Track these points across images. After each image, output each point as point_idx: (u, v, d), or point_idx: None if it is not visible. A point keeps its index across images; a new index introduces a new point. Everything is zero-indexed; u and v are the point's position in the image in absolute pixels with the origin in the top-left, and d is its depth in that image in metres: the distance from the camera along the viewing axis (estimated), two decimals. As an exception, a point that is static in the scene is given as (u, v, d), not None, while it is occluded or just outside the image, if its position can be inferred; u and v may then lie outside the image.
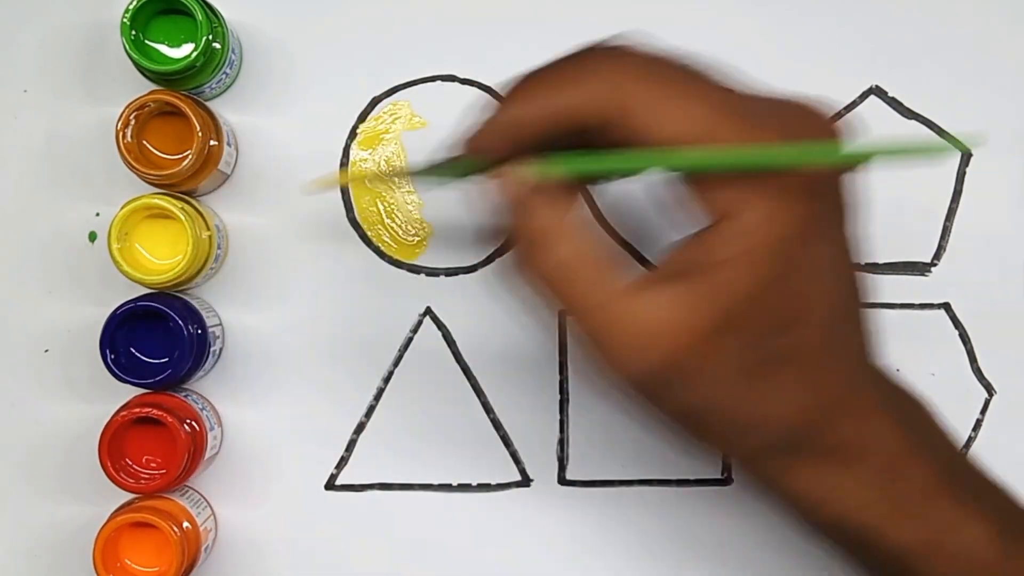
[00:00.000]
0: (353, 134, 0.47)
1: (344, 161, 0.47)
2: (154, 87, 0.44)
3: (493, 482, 0.47)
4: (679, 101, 0.30)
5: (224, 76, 0.45)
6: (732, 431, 0.33)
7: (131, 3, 0.42)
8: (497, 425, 0.47)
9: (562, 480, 0.47)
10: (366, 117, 0.47)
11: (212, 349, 0.44)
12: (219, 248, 0.45)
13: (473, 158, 0.33)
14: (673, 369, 0.30)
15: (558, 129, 0.31)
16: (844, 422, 0.34)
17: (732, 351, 0.30)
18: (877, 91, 0.47)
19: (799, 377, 0.32)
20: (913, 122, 0.47)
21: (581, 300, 0.31)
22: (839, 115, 0.47)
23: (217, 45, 0.43)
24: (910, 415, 0.36)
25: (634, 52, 0.31)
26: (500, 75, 0.46)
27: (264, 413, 0.46)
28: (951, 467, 0.36)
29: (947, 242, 0.47)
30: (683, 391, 0.31)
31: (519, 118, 0.31)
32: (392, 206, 0.47)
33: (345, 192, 0.47)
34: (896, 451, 0.34)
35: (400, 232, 0.47)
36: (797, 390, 0.32)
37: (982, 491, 0.37)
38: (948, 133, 0.46)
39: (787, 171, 0.29)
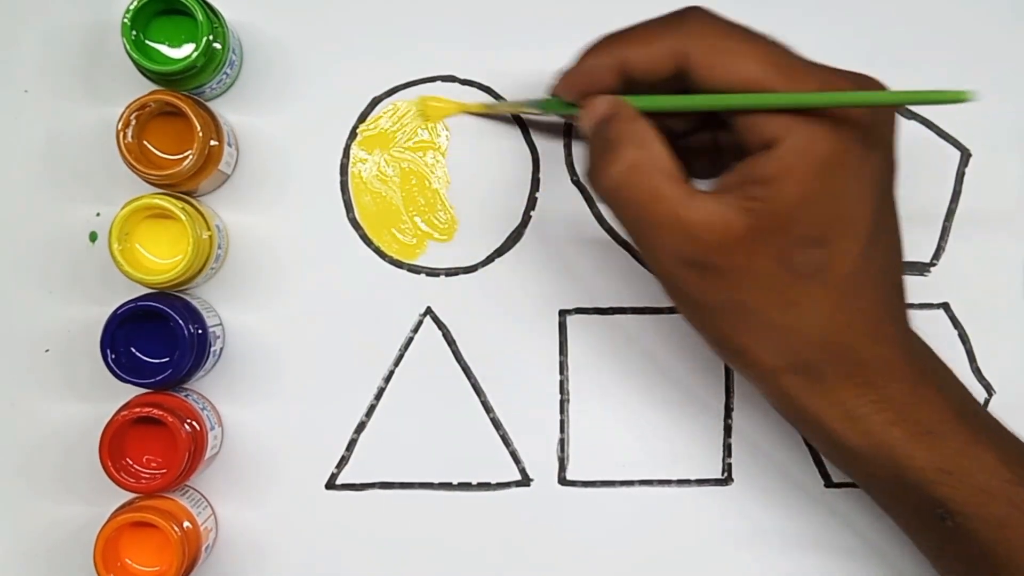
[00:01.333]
0: (353, 134, 0.47)
1: (344, 161, 0.47)
2: (155, 87, 0.44)
3: (493, 481, 0.47)
4: (734, 55, 0.35)
5: (224, 76, 0.45)
6: (759, 336, 0.37)
7: (131, 3, 0.42)
8: (497, 425, 0.47)
9: (562, 480, 0.47)
10: (366, 117, 0.47)
11: (212, 349, 0.44)
12: (219, 248, 0.45)
13: (560, 97, 0.40)
14: (710, 259, 0.36)
15: (632, 77, 0.37)
16: (868, 346, 0.37)
17: (769, 256, 0.35)
18: (877, 91, 0.47)
19: (829, 292, 0.36)
20: (913, 122, 0.47)
21: (647, 193, 0.36)
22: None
23: (217, 45, 0.43)
24: (928, 357, 0.39)
25: (698, 14, 0.37)
26: (500, 75, 0.47)
27: (264, 413, 0.46)
28: (964, 403, 0.39)
29: (946, 242, 0.47)
30: (719, 281, 0.36)
31: (595, 67, 0.38)
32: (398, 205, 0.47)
33: (345, 192, 0.47)
34: (915, 380, 0.37)
35: (401, 234, 0.47)
36: (826, 305, 0.36)
37: (992, 426, 0.39)
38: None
39: (815, 113, 0.35)
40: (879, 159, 0.36)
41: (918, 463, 0.37)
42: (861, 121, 0.35)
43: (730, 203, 0.35)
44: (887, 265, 0.38)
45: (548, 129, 0.47)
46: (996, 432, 0.39)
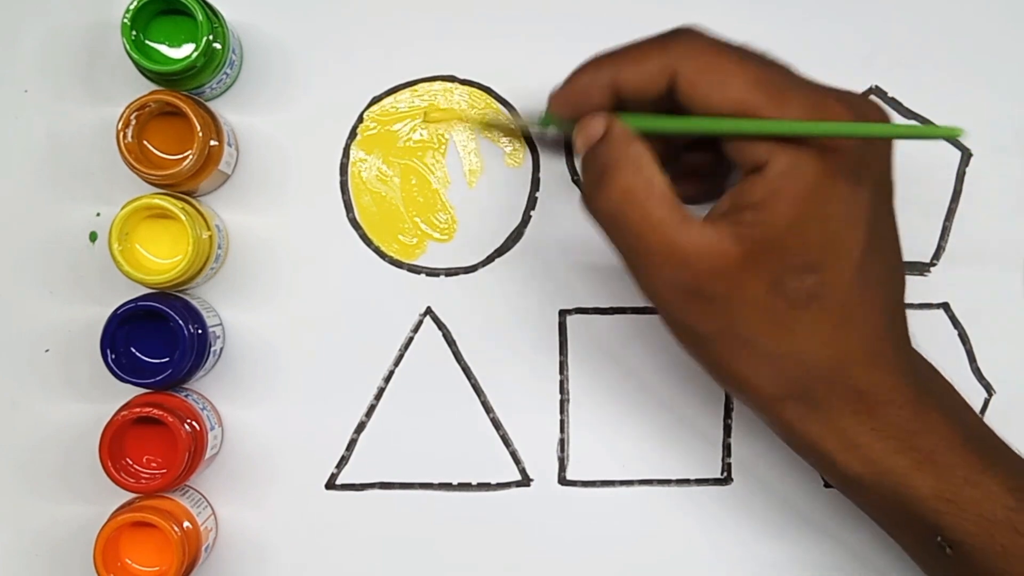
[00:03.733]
0: (353, 134, 0.47)
1: (344, 161, 0.47)
2: (155, 87, 0.44)
3: (493, 481, 0.47)
4: (722, 75, 0.35)
5: (224, 76, 0.45)
6: (757, 365, 0.36)
7: (132, 3, 0.42)
8: (497, 425, 0.47)
9: (562, 480, 0.47)
10: (366, 117, 0.47)
11: (212, 349, 0.44)
12: (219, 248, 0.45)
13: (553, 115, 0.40)
14: (704, 287, 0.35)
15: (624, 95, 0.37)
16: (867, 371, 0.36)
17: (761, 283, 0.35)
18: (877, 91, 0.47)
19: (825, 318, 0.35)
20: (913, 122, 0.47)
21: (640, 221, 0.35)
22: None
23: (217, 45, 0.43)
24: (932, 380, 0.39)
25: (689, 35, 0.36)
26: (500, 75, 0.47)
27: (264, 413, 0.46)
28: (968, 426, 0.38)
29: (947, 242, 0.47)
30: (713, 310, 0.36)
31: (587, 85, 0.37)
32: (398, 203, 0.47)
33: (345, 192, 0.47)
34: (917, 406, 0.37)
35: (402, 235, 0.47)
36: (822, 331, 0.35)
37: (997, 451, 0.38)
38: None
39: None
40: (871, 181, 0.36)
41: (921, 492, 0.36)
42: (854, 146, 0.35)
43: (723, 229, 0.35)
44: (883, 287, 0.37)
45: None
46: (1002, 456, 0.38)
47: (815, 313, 0.35)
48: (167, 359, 0.43)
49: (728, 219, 0.35)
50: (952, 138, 0.32)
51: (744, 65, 0.35)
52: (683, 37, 0.36)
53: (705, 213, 0.37)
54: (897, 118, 0.47)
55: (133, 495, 0.44)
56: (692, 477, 0.47)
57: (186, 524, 0.43)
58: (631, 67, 0.36)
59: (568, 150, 0.47)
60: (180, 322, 0.42)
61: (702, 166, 0.42)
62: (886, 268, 0.37)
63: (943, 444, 0.36)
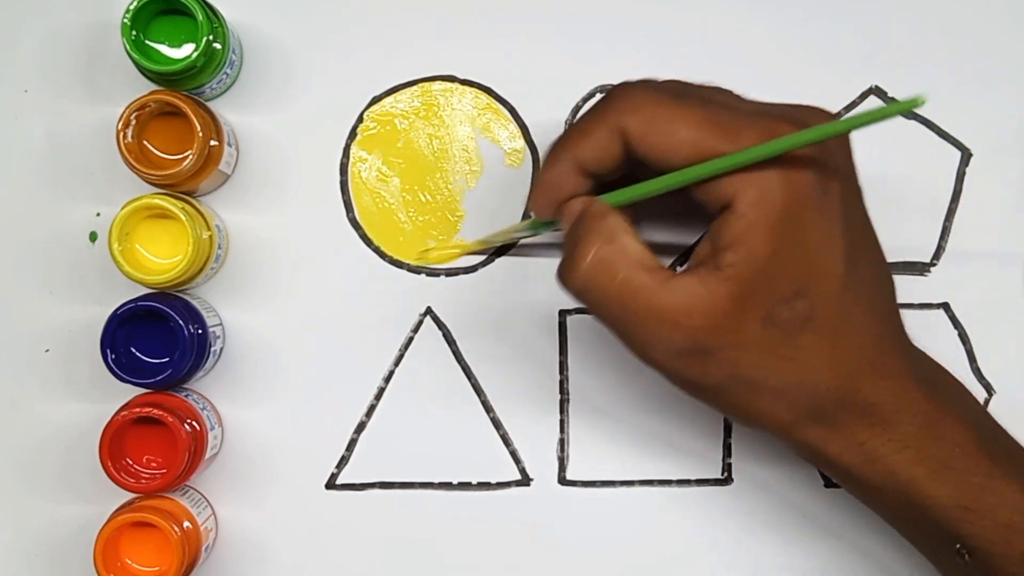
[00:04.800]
0: (353, 134, 0.47)
1: (344, 161, 0.47)
2: (155, 87, 0.44)
3: (493, 481, 0.47)
4: (667, 123, 0.35)
5: (224, 76, 0.45)
6: (770, 399, 0.36)
7: (132, 3, 0.42)
8: (497, 425, 0.47)
9: (562, 480, 0.47)
10: (366, 117, 0.47)
11: (212, 349, 0.44)
12: (219, 248, 0.45)
13: (538, 218, 0.40)
14: (701, 343, 0.35)
15: (591, 171, 0.37)
16: (874, 384, 0.36)
17: (755, 320, 0.35)
18: (877, 91, 0.47)
19: (822, 339, 0.35)
20: (913, 122, 0.47)
21: (620, 289, 0.35)
22: (839, 115, 0.47)
23: (218, 45, 0.43)
24: (940, 381, 0.39)
25: (627, 91, 0.36)
26: (500, 75, 0.47)
27: (264, 413, 0.46)
28: (984, 430, 0.38)
29: (947, 242, 0.47)
30: (716, 362, 0.35)
31: (555, 179, 0.38)
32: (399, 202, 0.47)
33: (345, 192, 0.47)
34: (930, 413, 0.37)
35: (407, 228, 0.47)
36: (822, 353, 0.35)
37: (1014, 454, 0.38)
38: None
39: (765, 163, 0.34)
40: (839, 190, 0.35)
41: (939, 501, 0.36)
42: (813, 158, 0.34)
43: (706, 277, 0.35)
44: (872, 293, 0.37)
45: (548, 129, 0.47)
46: (1017, 458, 0.38)
47: (811, 336, 0.35)
48: (167, 359, 0.43)
49: (708, 265, 0.35)
50: (911, 109, 0.31)
51: (686, 108, 0.35)
52: (622, 95, 0.36)
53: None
54: (897, 118, 0.47)
55: (133, 495, 0.44)
56: (692, 477, 0.47)
57: (186, 524, 0.43)
58: (583, 143, 0.36)
59: None
60: (180, 322, 0.42)
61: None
62: (871, 272, 0.37)
63: (959, 450, 0.36)
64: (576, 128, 0.37)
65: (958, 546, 0.37)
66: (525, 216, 0.47)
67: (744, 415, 0.37)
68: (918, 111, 0.47)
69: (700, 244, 0.36)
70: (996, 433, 0.39)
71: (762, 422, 0.37)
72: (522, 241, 0.47)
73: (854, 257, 0.36)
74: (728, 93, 0.37)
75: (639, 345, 0.36)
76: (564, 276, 0.37)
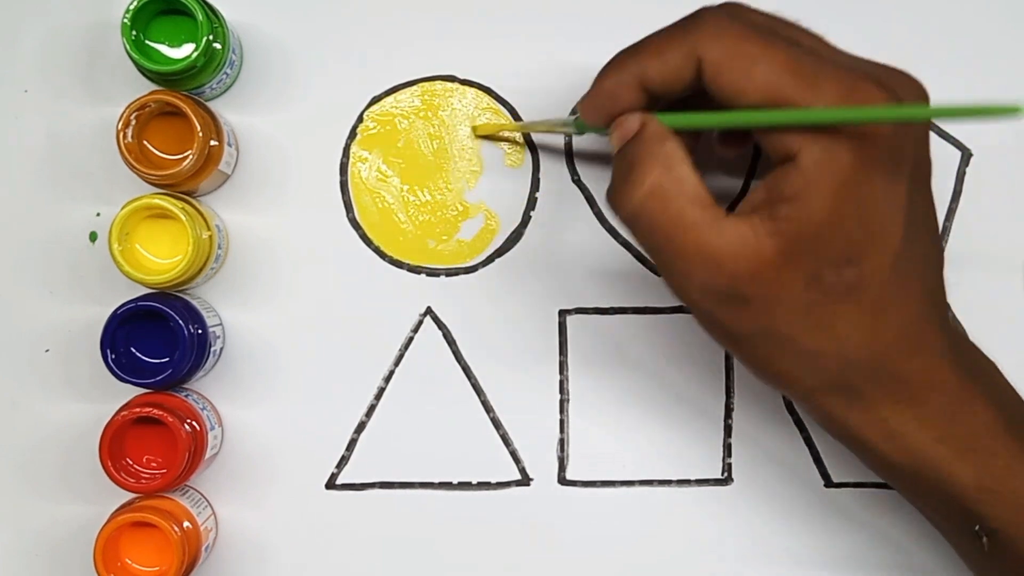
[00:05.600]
0: (353, 134, 0.47)
1: (344, 161, 0.47)
2: (155, 87, 0.44)
3: (493, 481, 0.47)
4: (747, 60, 0.33)
5: (224, 76, 0.45)
6: (797, 361, 0.35)
7: (132, 3, 0.42)
8: (497, 425, 0.47)
9: (562, 480, 0.47)
10: (366, 117, 0.47)
11: (212, 349, 0.44)
12: (219, 248, 0.45)
13: (585, 121, 0.38)
14: (741, 289, 0.34)
15: (653, 90, 0.36)
16: (908, 359, 0.36)
17: (799, 279, 0.34)
18: (877, 91, 0.47)
19: (864, 310, 0.34)
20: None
21: (670, 221, 0.34)
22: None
23: (218, 45, 0.43)
24: (974, 363, 0.38)
25: (712, 18, 0.35)
26: (500, 75, 0.47)
27: (264, 413, 0.46)
28: (1011, 410, 0.37)
29: (947, 242, 0.47)
30: (751, 312, 0.35)
31: (614, 86, 0.36)
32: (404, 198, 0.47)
33: (345, 192, 0.47)
34: (958, 393, 0.36)
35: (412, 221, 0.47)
36: (862, 323, 0.35)
37: None
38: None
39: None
40: (908, 166, 0.34)
41: (962, 481, 0.36)
42: (887, 131, 0.33)
43: (758, 226, 0.34)
44: (923, 271, 0.36)
45: (548, 129, 0.47)
46: None
47: (853, 306, 0.34)
48: (167, 359, 0.43)
49: (762, 214, 0.34)
50: (1012, 115, 0.30)
51: (771, 48, 0.33)
52: (706, 21, 0.34)
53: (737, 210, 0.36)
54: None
55: (133, 495, 0.44)
56: (692, 477, 0.47)
57: (186, 524, 0.43)
58: (654, 61, 0.35)
59: (569, 152, 0.47)
60: (180, 322, 0.42)
61: (733, 157, 0.41)
62: (924, 253, 0.36)
63: (985, 430, 0.36)
64: (649, 43, 0.36)
65: (976, 528, 0.36)
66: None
67: (766, 371, 0.37)
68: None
69: (755, 190, 0.35)
70: None
71: (784, 382, 0.37)
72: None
73: (912, 235, 0.35)
74: (818, 38, 0.35)
75: (679, 280, 0.35)
76: (616, 200, 0.36)
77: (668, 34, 0.35)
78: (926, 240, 0.37)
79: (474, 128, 0.47)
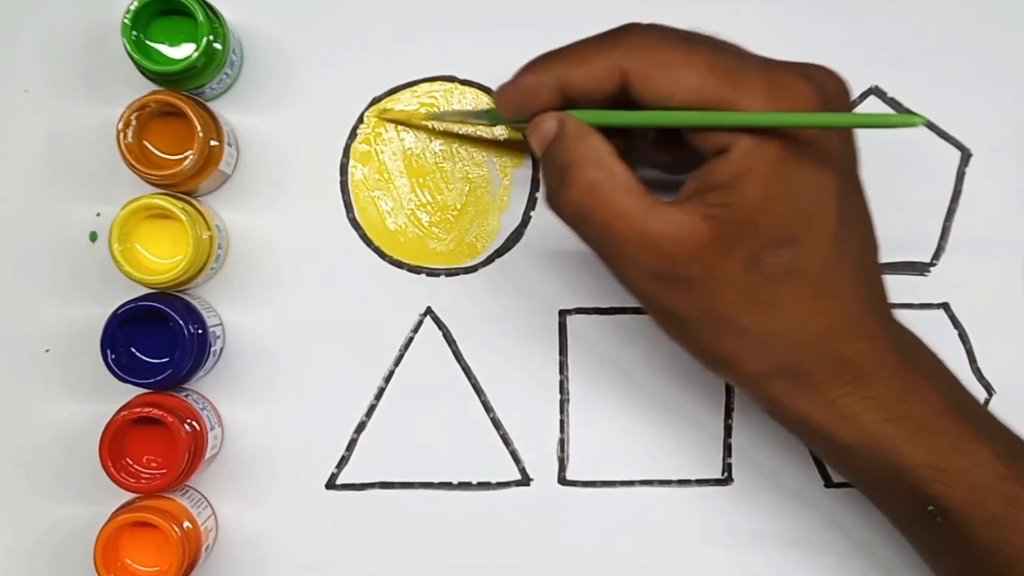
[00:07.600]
0: (353, 134, 0.47)
1: (344, 161, 0.47)
2: (155, 87, 0.44)
3: (493, 481, 0.47)
4: (673, 68, 0.35)
5: (225, 76, 0.45)
6: (741, 343, 0.36)
7: (132, 4, 0.42)
8: (497, 425, 0.47)
9: (562, 480, 0.47)
10: (366, 117, 0.47)
11: (212, 349, 0.44)
12: (220, 248, 0.45)
13: (500, 113, 0.39)
14: (679, 270, 0.35)
15: (571, 96, 0.36)
16: (852, 341, 0.36)
17: (737, 261, 0.35)
18: (877, 91, 0.47)
19: (805, 292, 0.35)
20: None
21: (607, 213, 0.35)
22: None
23: (218, 46, 0.43)
24: (916, 348, 0.39)
25: (636, 31, 0.36)
26: (500, 75, 0.47)
27: (264, 413, 0.46)
28: (955, 394, 0.38)
29: (946, 242, 0.47)
30: (694, 294, 0.36)
31: (534, 85, 0.37)
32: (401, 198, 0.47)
33: (345, 192, 0.47)
34: (904, 375, 0.37)
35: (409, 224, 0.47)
36: (803, 304, 0.35)
37: (985, 419, 0.39)
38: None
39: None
40: (837, 147, 0.36)
41: (912, 460, 0.36)
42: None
43: (691, 211, 0.35)
44: (861, 256, 0.37)
45: (548, 129, 0.47)
46: (991, 426, 0.38)
47: (794, 287, 0.35)
48: (167, 359, 0.43)
49: (696, 201, 0.35)
50: (911, 126, 0.31)
51: (694, 54, 0.35)
52: (630, 33, 0.36)
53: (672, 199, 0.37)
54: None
55: (133, 495, 0.44)
56: (692, 477, 0.47)
57: (186, 524, 0.43)
58: (579, 69, 0.36)
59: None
60: (180, 322, 0.42)
61: (669, 160, 0.41)
62: (860, 237, 0.37)
63: (932, 411, 0.37)
64: (574, 51, 0.37)
65: (930, 508, 0.37)
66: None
67: (712, 355, 0.37)
68: (917, 111, 0.47)
69: (688, 181, 0.36)
70: (969, 400, 0.39)
71: (731, 367, 0.37)
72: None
73: (846, 217, 0.36)
74: (737, 46, 0.36)
75: (620, 267, 0.36)
76: (555, 202, 0.37)
77: (596, 44, 0.36)
78: (862, 226, 0.38)
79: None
